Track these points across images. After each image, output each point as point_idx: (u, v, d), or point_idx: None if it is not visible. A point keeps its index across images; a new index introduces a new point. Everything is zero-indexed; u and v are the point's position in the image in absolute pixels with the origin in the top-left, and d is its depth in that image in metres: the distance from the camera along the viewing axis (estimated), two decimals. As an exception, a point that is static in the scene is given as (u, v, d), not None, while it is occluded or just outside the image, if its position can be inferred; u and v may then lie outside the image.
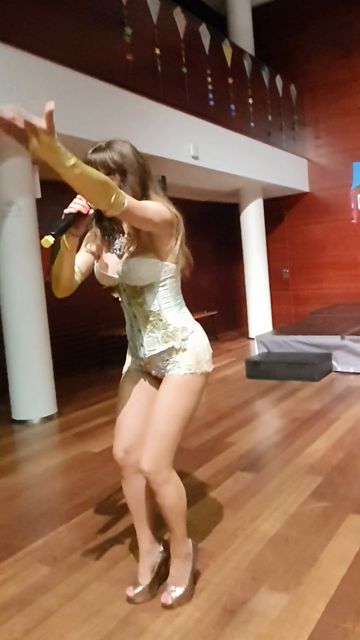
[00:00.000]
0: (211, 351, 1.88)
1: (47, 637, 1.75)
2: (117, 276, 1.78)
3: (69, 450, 3.70)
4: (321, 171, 9.00)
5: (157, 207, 1.68)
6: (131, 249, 1.76)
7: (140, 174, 1.72)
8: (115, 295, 1.85)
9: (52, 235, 1.51)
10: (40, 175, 4.70)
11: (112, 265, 1.79)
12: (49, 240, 1.50)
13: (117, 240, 1.81)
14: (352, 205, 8.74)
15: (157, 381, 1.90)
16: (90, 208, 1.61)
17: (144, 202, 1.65)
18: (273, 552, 2.13)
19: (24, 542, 2.40)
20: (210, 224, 9.43)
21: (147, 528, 1.95)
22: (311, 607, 1.77)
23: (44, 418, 4.50)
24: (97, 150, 1.68)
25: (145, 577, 1.92)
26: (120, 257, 1.78)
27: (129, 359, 1.97)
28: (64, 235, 1.62)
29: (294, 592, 1.86)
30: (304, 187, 9.00)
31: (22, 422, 4.47)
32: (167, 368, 1.81)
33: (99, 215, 1.71)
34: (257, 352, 5.98)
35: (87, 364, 6.72)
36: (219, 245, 9.69)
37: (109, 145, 1.69)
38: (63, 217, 1.59)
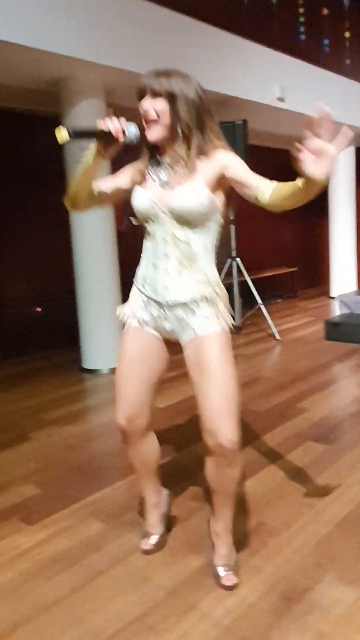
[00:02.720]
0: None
1: (93, 599, 1.67)
2: (162, 204, 1.58)
3: (134, 403, 3.63)
4: None
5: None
6: (180, 178, 1.55)
7: (198, 111, 1.54)
8: (149, 228, 1.63)
9: (70, 133, 1.38)
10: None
11: (156, 193, 1.59)
12: (64, 134, 1.37)
13: (161, 169, 1.61)
14: None
15: (165, 344, 1.72)
16: (125, 137, 1.49)
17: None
18: (343, 537, 1.91)
19: (80, 494, 2.36)
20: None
21: (154, 482, 1.92)
22: (383, 608, 1.55)
23: (112, 369, 4.47)
24: (151, 74, 1.53)
25: (157, 527, 1.93)
26: (163, 186, 1.59)
27: (135, 309, 1.71)
28: (90, 151, 1.50)
29: (363, 587, 1.65)
30: None
31: (92, 372, 4.47)
32: (191, 324, 1.59)
33: (145, 144, 1.58)
34: (338, 313, 5.59)
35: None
36: (304, 198, 9.09)
37: (165, 72, 1.53)
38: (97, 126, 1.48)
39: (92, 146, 1.52)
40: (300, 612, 1.56)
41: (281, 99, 5.58)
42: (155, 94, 1.50)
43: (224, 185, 1.59)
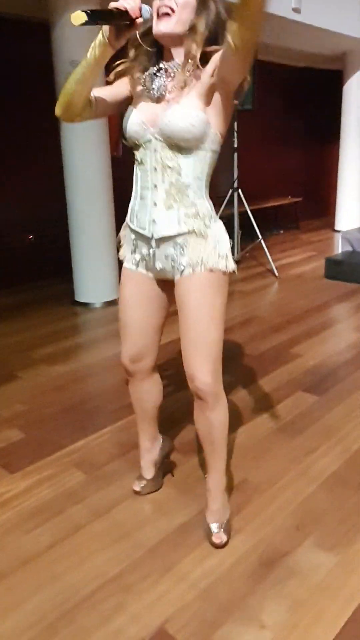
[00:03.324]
0: (229, 246, 1.55)
1: (70, 555, 1.66)
2: (153, 127, 1.44)
3: (125, 342, 3.55)
4: None
5: None
6: (182, 92, 1.40)
7: (218, 12, 1.40)
8: (139, 156, 1.51)
9: (87, 13, 1.22)
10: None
11: (149, 114, 1.45)
12: (81, 16, 1.22)
13: (157, 78, 1.46)
14: None
15: (162, 284, 1.64)
16: (141, 16, 1.33)
17: None
18: (326, 497, 1.89)
19: (65, 441, 2.32)
20: (304, 95, 8.26)
21: (151, 427, 1.94)
22: (361, 577, 1.54)
23: (106, 302, 4.37)
24: None
25: (148, 472, 1.95)
26: (157, 101, 1.46)
27: (127, 253, 1.66)
28: (97, 38, 1.33)
29: (343, 554, 1.62)
30: None
31: (84, 305, 4.36)
32: (182, 262, 1.50)
33: (147, 37, 1.44)
34: (340, 250, 5.40)
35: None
36: (313, 122, 8.56)
37: None
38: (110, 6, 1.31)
39: (99, 36, 1.35)
40: (278, 578, 1.54)
41: (297, 10, 5.05)
42: None
43: (222, 96, 1.41)
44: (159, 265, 1.56)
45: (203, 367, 1.52)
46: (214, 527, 1.69)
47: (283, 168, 8.14)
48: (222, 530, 1.68)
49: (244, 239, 5.72)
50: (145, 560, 1.63)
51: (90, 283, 4.37)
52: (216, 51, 1.37)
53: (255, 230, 5.25)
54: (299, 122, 8.38)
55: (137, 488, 1.93)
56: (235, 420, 2.40)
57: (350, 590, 1.49)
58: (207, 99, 1.41)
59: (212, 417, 1.59)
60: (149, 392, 1.86)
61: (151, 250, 1.55)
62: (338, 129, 7.43)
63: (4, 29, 4.64)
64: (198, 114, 1.39)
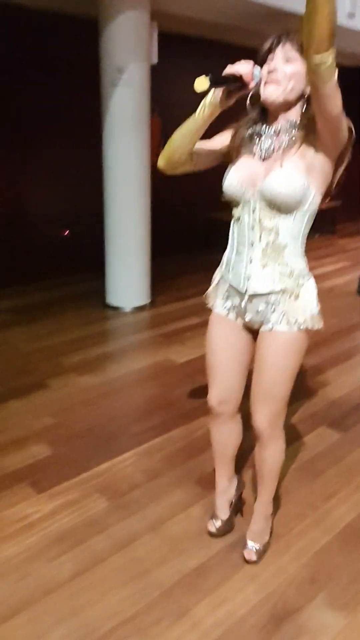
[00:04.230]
0: (319, 306, 1.63)
1: (91, 589, 1.75)
2: (253, 187, 1.52)
3: (153, 353, 3.61)
4: None
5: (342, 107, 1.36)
6: (284, 155, 1.47)
7: None
8: (236, 213, 1.59)
9: (210, 79, 1.31)
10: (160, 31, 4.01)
11: (249, 174, 1.53)
12: (204, 82, 1.31)
13: (264, 139, 1.53)
14: None
15: (249, 331, 1.72)
16: (253, 80, 1.41)
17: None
18: (341, 550, 1.93)
19: (90, 463, 2.41)
20: (352, 93, 8.02)
21: (229, 468, 1.99)
22: (369, 643, 1.58)
23: (137, 308, 4.43)
24: (285, 35, 1.45)
25: (223, 512, 1.99)
26: (259, 161, 1.52)
27: (217, 298, 1.75)
28: (207, 98, 1.44)
29: (354, 615, 1.67)
30: None
31: (115, 309, 4.43)
32: (271, 318, 1.59)
33: (257, 107, 1.52)
34: (376, 265, 5.32)
35: (191, 246, 6.40)
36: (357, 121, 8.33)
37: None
38: (223, 73, 1.40)
39: (209, 96, 1.45)
40: (288, 634, 1.60)
41: (352, 15, 4.90)
42: (289, 57, 1.42)
43: (335, 143, 1.46)
44: (248, 316, 1.65)
45: (265, 411, 1.68)
46: (249, 544, 1.87)
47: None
48: (254, 549, 1.85)
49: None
50: (161, 601, 1.71)
51: (122, 286, 4.43)
52: None
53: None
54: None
55: (212, 529, 1.96)
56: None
57: (357, 657, 1.54)
58: (310, 163, 1.46)
59: (264, 455, 1.78)
60: (231, 433, 1.92)
61: (243, 303, 1.64)
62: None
63: (55, 24, 4.65)
64: (299, 179, 1.45)
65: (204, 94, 1.43)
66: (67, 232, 5.43)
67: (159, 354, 3.61)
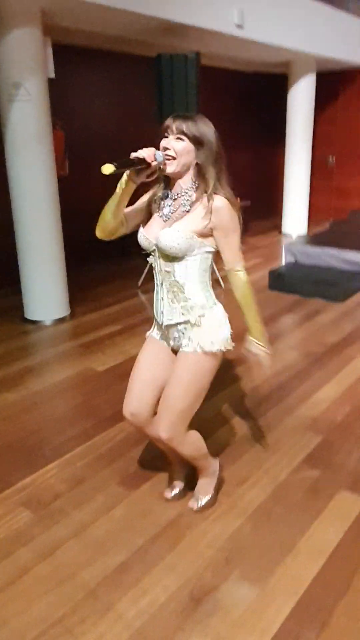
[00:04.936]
0: (230, 330, 1.94)
1: (16, 600, 1.81)
2: (154, 241, 1.85)
3: (74, 364, 3.67)
4: (391, 42, 7.68)
5: (238, 233, 1.84)
6: (178, 219, 1.82)
7: (216, 157, 1.80)
8: (150, 260, 1.92)
9: (115, 165, 1.61)
10: (54, 45, 4.06)
11: (155, 230, 1.86)
12: (110, 167, 1.60)
13: (168, 205, 1.86)
14: None
15: (175, 354, 1.99)
16: (155, 160, 1.73)
17: (239, 243, 1.86)
18: (253, 530, 2.10)
19: (12, 478, 2.45)
20: (252, 99, 8.44)
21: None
22: (277, 609, 1.75)
23: (56, 320, 4.45)
24: (180, 117, 1.77)
25: (178, 482, 2.29)
26: (165, 222, 1.85)
27: (153, 328, 2.08)
28: (123, 178, 1.76)
29: (263, 586, 1.84)
30: (368, 61, 7.77)
31: (35, 323, 4.43)
32: (182, 343, 1.91)
33: (163, 176, 1.86)
34: (284, 261, 5.64)
35: (107, 255, 6.47)
36: (261, 124, 8.76)
37: (191, 117, 1.78)
38: (130, 157, 1.71)
39: (124, 176, 1.77)
40: (204, 613, 1.74)
41: (240, 26, 5.17)
42: (180, 136, 1.75)
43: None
44: (171, 342, 1.99)
45: (164, 421, 1.92)
46: (195, 497, 2.22)
47: (231, 168, 8.29)
48: (196, 502, 2.20)
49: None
50: (86, 601, 1.80)
51: (40, 300, 4.44)
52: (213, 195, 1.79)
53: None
54: (248, 125, 8.56)
55: (168, 495, 2.26)
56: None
57: (265, 623, 1.70)
58: (198, 223, 1.79)
59: (178, 453, 2.04)
60: (154, 435, 2.10)
61: (163, 332, 1.98)
62: (284, 130, 7.64)
63: None
64: (185, 236, 1.78)
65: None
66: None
67: (80, 364, 3.67)
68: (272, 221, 8.73)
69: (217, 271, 5.39)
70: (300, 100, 7.36)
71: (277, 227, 8.20)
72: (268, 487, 2.34)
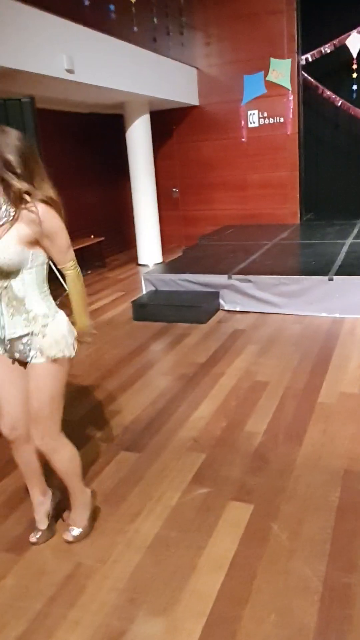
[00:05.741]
0: (74, 335, 2.00)
1: None
2: None
3: None
4: (211, 83, 8.45)
5: (64, 232, 1.88)
6: (4, 234, 1.79)
7: (24, 159, 1.76)
8: None
9: None
10: None
11: None
12: None
13: None
14: (242, 123, 8.41)
15: (24, 366, 2.01)
16: None
17: (66, 241, 1.91)
18: (153, 562, 2.09)
19: None
20: (93, 138, 8.64)
21: (39, 482, 2.24)
22: (188, 634, 1.75)
23: None
24: None
25: (42, 523, 2.24)
26: None
27: None
28: None
29: (171, 615, 1.83)
30: (194, 100, 8.45)
31: None
32: (30, 354, 1.93)
33: None
34: (144, 290, 5.79)
35: None
36: (104, 162, 8.99)
37: None
38: None
39: None
40: (116, 661, 1.68)
41: (70, 71, 5.31)
42: None
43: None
44: (16, 355, 1.98)
45: (37, 431, 2.00)
46: (70, 529, 2.21)
47: (81, 207, 8.35)
48: (72, 532, 2.20)
49: (53, 290, 5.76)
50: None
51: None
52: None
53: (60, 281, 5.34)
54: (93, 164, 8.72)
55: (33, 539, 2.20)
56: (67, 504, 2.47)
57: (178, 653, 1.69)
58: (25, 233, 1.80)
59: (53, 465, 2.09)
60: (30, 454, 2.14)
61: (7, 346, 1.96)
62: (128, 167, 7.93)
63: None
64: (15, 250, 1.78)
65: None
66: None
67: None
68: (128, 254, 8.94)
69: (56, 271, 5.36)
70: (138, 138, 7.72)
71: (134, 259, 8.41)
72: (162, 514, 2.35)
